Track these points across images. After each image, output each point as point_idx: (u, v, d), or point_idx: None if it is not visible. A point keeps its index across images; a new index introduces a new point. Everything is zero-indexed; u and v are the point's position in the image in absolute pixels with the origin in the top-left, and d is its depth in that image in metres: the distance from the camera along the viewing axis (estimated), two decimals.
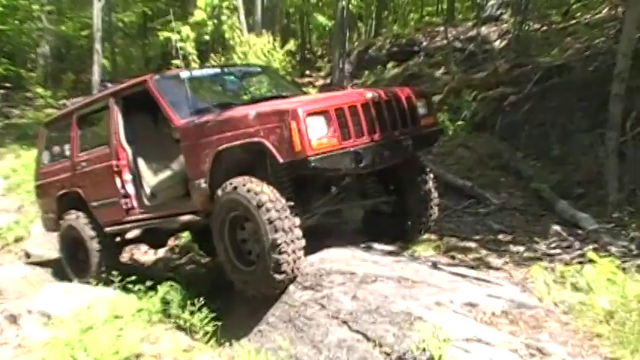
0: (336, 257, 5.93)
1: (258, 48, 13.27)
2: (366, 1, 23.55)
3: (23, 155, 15.64)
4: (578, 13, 15.10)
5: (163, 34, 16.72)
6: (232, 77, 7.93)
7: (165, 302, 6.20)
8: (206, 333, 5.73)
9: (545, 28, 15.14)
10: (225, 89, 7.96)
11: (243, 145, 5.71)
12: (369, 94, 5.95)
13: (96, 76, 22.24)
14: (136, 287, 6.36)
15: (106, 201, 7.40)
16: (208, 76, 7.73)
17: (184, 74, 7.11)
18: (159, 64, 23.77)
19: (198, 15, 14.47)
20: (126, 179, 7.22)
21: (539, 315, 4.68)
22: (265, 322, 5.69)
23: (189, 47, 13.64)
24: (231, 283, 6.78)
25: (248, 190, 5.54)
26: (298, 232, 5.53)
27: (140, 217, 7.18)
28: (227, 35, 13.11)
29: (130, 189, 7.23)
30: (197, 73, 7.61)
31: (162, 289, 6.22)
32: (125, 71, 24.63)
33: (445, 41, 16.57)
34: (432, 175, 6.85)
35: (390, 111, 6.02)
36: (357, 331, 4.72)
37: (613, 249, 6.54)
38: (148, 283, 6.38)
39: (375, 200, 6.80)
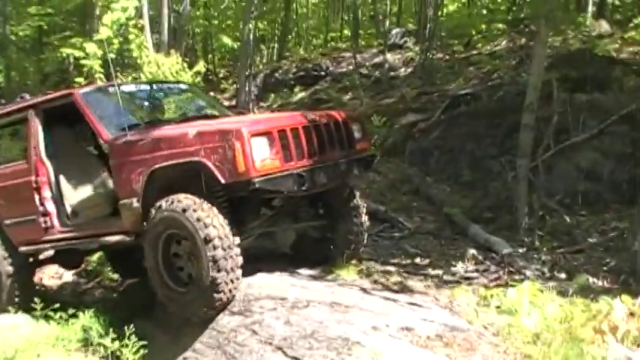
0: (264, 282, 5.82)
1: (166, 68, 13.01)
2: (271, 25, 23.69)
3: None
4: (479, 44, 15.80)
5: (65, 51, 16.11)
6: (161, 93, 7.73)
7: (84, 329, 5.90)
8: None
9: (448, 57, 15.74)
10: (154, 105, 7.62)
11: (180, 164, 5.55)
12: (310, 116, 5.95)
13: None
14: (47, 313, 6.01)
15: (22, 219, 6.92)
16: (137, 91, 7.45)
17: (113, 89, 6.75)
18: (56, 80, 22.94)
19: (104, 32, 14.02)
20: (45, 196, 6.77)
21: (472, 338, 4.78)
22: (191, 349, 5.54)
23: (96, 65, 13.20)
24: (150, 308, 6.59)
25: (184, 210, 5.38)
26: (237, 250, 5.42)
27: (60, 236, 6.76)
28: (135, 54, 12.77)
29: (50, 206, 6.79)
30: (126, 87, 7.31)
31: (84, 315, 5.89)
32: (20, 87, 23.62)
33: (351, 67, 16.89)
34: (362, 201, 6.84)
35: (329, 134, 6.02)
36: (294, 357, 4.67)
37: (527, 272, 6.80)
38: (70, 310, 6.05)
39: (307, 223, 6.73)
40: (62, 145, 7.22)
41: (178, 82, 9.08)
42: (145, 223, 5.77)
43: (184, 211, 5.37)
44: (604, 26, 13.64)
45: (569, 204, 8.64)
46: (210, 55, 23.26)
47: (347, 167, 6.14)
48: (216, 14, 22.54)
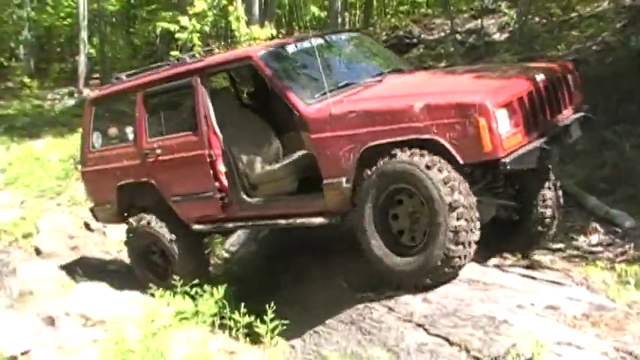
0: None
1: (262, 40, 13.09)
2: None
3: (14, 148, 15.29)
4: (579, 7, 15.21)
5: (161, 24, 16.40)
6: (338, 48, 6.86)
7: (218, 304, 6.03)
8: (260, 335, 5.60)
9: (545, 21, 15.22)
10: (336, 63, 6.71)
11: (403, 142, 5.01)
12: (538, 76, 5.32)
13: (82, 65, 21.93)
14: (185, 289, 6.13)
15: (194, 195, 6.54)
16: (311, 47, 6.43)
17: (291, 47, 6.27)
18: (146, 53, 23.45)
19: (199, 5, 14.21)
20: (220, 170, 6.35)
21: (619, 317, 4.65)
22: (322, 324, 5.59)
23: (195, 38, 13.39)
24: (277, 283, 6.67)
25: (428, 167, 4.84)
26: (477, 224, 4.98)
27: (243, 214, 6.35)
28: (234, 26, 12.87)
29: (227, 182, 6.35)
30: (301, 45, 6.44)
31: (217, 291, 6.00)
32: (112, 60, 24.27)
33: (443, 34, 16.61)
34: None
35: (555, 93, 5.45)
36: (437, 335, 4.66)
37: None
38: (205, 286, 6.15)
39: (505, 201, 6.09)
40: (228, 112, 6.76)
41: (346, 30, 7.97)
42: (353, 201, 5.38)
43: (428, 168, 4.86)
44: None
45: None
46: (296, 26, 23.28)
47: (577, 131, 5.60)
48: None
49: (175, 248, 6.89)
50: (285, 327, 5.66)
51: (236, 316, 5.69)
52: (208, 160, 6.30)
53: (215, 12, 14.81)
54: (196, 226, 6.72)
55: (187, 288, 5.95)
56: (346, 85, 5.93)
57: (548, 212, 6.09)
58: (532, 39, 14.03)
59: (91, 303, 6.67)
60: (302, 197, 6.02)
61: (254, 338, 5.68)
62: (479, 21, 15.91)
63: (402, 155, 4.96)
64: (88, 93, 21.98)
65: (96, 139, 7.53)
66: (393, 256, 5.17)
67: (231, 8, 13.19)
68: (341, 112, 5.35)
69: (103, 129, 7.60)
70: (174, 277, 6.13)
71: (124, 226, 7.59)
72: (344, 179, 5.36)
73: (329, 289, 6.14)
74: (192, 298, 5.95)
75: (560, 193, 6.22)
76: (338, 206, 5.55)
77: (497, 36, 15.60)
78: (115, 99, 7.62)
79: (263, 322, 5.26)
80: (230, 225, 6.53)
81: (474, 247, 5.00)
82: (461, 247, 4.87)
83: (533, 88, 5.18)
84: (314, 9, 21.09)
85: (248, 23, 13.91)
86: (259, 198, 6.29)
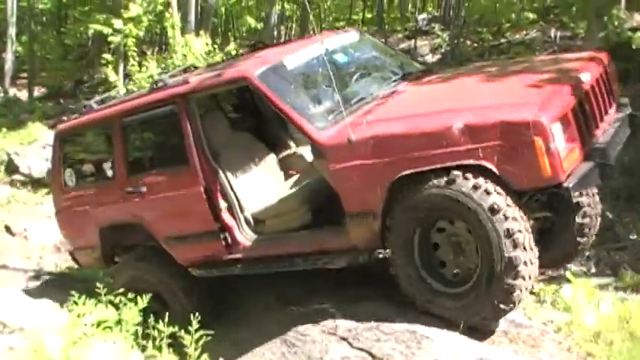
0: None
1: (196, 49, 13.03)
2: (290, 5, 23.60)
3: None
4: (509, 33, 15.75)
5: (93, 26, 16.11)
6: (342, 54, 5.98)
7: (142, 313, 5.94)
8: (185, 346, 5.55)
9: (476, 45, 15.71)
10: (343, 75, 5.79)
11: (442, 169, 4.36)
12: (584, 76, 4.60)
13: (9, 63, 21.32)
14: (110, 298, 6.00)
15: (192, 236, 5.79)
16: (315, 60, 5.66)
17: (290, 61, 5.51)
18: (79, 55, 22.97)
19: (134, 10, 14.04)
20: (221, 207, 5.61)
21: (535, 334, 4.83)
22: (248, 336, 5.60)
23: (130, 43, 13.22)
24: (212, 295, 6.41)
25: (475, 187, 4.22)
26: (536, 252, 4.38)
27: (250, 254, 5.59)
28: (169, 34, 12.76)
29: (229, 219, 5.62)
30: (301, 57, 5.65)
31: (142, 300, 5.90)
32: (42, 60, 23.65)
33: None
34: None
35: (601, 92, 4.85)
36: (360, 349, 4.71)
37: (573, 268, 6.84)
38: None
39: (541, 213, 5.15)
40: (220, 137, 6.04)
41: (347, 30, 6.80)
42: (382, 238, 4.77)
43: (475, 190, 4.20)
44: (637, 18, 13.58)
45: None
46: (232, 37, 23.25)
47: (624, 130, 4.95)
48: None
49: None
50: (210, 338, 5.64)
51: (160, 325, 5.63)
52: (205, 196, 5.59)
53: (150, 17, 14.64)
54: (197, 272, 5.97)
55: (111, 297, 5.82)
56: (360, 100, 5.26)
57: (587, 221, 5.51)
58: (463, 61, 14.42)
59: (10, 310, 6.46)
60: (321, 232, 5.27)
61: (178, 349, 5.64)
62: (412, 42, 16.25)
63: (440, 180, 4.32)
64: (14, 93, 21.37)
65: (69, 177, 6.76)
66: (441, 293, 4.63)
67: (167, 14, 13.09)
68: (362, 137, 4.63)
69: (75, 166, 6.80)
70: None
71: (46, 229, 7.33)
72: (371, 214, 4.70)
73: (258, 301, 6.15)
74: (116, 307, 5.85)
75: (597, 199, 5.64)
76: (365, 243, 4.87)
77: (429, 57, 15.99)
78: (86, 131, 6.75)
79: (188, 332, 5.14)
80: (238, 268, 5.67)
81: (534, 278, 4.44)
82: (521, 280, 4.25)
83: (582, 92, 4.57)
84: (250, 20, 21.09)
85: (183, 31, 13.85)
86: (268, 235, 5.63)
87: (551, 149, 4.06)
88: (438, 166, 4.34)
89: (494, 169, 4.19)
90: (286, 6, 20.92)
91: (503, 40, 15.35)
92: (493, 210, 4.16)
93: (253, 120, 6.80)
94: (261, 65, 5.42)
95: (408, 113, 4.76)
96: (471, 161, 4.24)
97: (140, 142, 6.29)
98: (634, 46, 11.35)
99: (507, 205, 4.20)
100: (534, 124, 4.07)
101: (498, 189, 4.21)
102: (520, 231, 4.20)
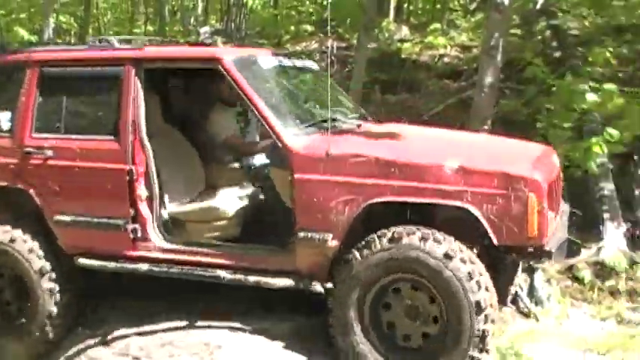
0: None
1: None
2: (66, 18, 22.62)
3: None
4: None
5: None
6: (305, 76, 5.79)
7: None
8: None
9: None
10: (309, 94, 5.70)
11: (424, 205, 4.24)
12: (555, 159, 4.90)
13: None
14: None
15: (95, 219, 5.03)
16: (286, 69, 5.44)
17: (266, 61, 5.14)
18: None
19: None
20: (140, 194, 4.92)
21: None
22: None
23: None
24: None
25: (448, 256, 4.06)
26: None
27: (161, 256, 4.96)
28: None
29: (145, 211, 4.95)
30: (273, 62, 5.31)
31: None
32: None
33: None
34: None
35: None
36: None
37: None
38: None
39: None
40: (151, 121, 5.18)
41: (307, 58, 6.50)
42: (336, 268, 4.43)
43: (448, 257, 4.06)
44: (404, 31, 14.61)
45: None
46: None
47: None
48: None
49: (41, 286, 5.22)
50: None
51: None
52: (127, 178, 4.88)
53: None
54: (83, 261, 5.14)
55: None
56: (326, 121, 4.86)
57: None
58: None
59: None
60: (258, 248, 4.81)
61: None
62: None
63: (412, 238, 4.13)
64: None
65: None
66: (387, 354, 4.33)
67: None
68: (343, 153, 4.39)
69: None
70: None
71: None
72: (330, 236, 4.36)
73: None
74: None
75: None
76: (311, 268, 4.51)
77: None
78: None
79: None
80: (144, 267, 4.96)
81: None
82: (485, 354, 4.12)
83: (557, 172, 4.75)
84: (23, 32, 19.86)
85: None
86: (187, 240, 5.08)
87: (542, 210, 4.04)
88: (420, 200, 4.21)
89: (481, 217, 4.07)
90: (62, 18, 19.93)
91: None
92: (468, 278, 4.02)
93: (183, 121, 5.96)
94: (233, 53, 5.07)
95: (393, 144, 4.68)
96: (457, 203, 4.12)
97: (58, 99, 5.23)
98: (403, 56, 12.28)
99: (481, 274, 4.11)
100: (531, 181, 4.04)
101: (474, 257, 4.17)
102: (492, 305, 4.15)
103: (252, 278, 4.62)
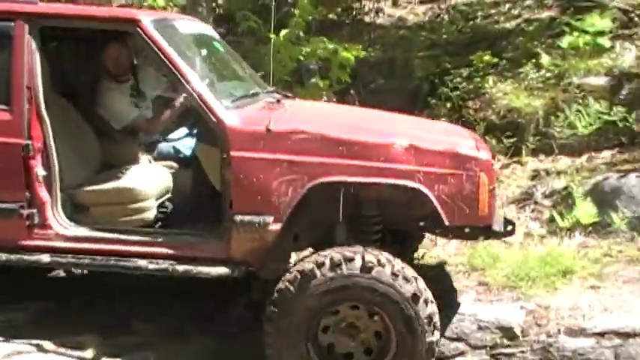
0: None
1: None
2: None
3: None
4: None
5: None
6: (218, 45, 5.23)
7: None
8: None
9: None
10: (225, 65, 5.18)
11: (374, 184, 4.01)
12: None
13: None
14: None
15: None
16: (201, 36, 5.00)
17: (181, 26, 4.65)
18: None
19: None
20: (38, 174, 4.25)
21: None
22: None
23: None
24: None
25: (395, 276, 3.82)
26: None
27: (64, 245, 4.30)
28: None
29: (43, 193, 4.29)
30: (190, 28, 4.89)
31: None
32: None
33: None
34: None
35: None
36: None
37: None
38: None
39: None
40: (49, 97, 4.45)
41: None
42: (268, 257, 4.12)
43: (394, 278, 3.83)
44: None
45: None
46: None
47: None
48: None
49: None
50: None
51: None
52: (22, 154, 4.20)
53: None
54: None
55: None
56: (254, 95, 4.64)
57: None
58: None
59: None
60: (182, 233, 4.34)
61: None
62: None
63: (352, 265, 3.82)
64: None
65: None
66: None
67: None
68: (286, 129, 4.06)
69: None
70: None
71: None
72: (271, 219, 4.00)
73: None
74: None
75: None
76: (247, 255, 4.11)
77: None
78: None
79: None
80: (45, 259, 4.28)
81: None
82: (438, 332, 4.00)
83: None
84: None
85: None
86: (94, 225, 4.44)
87: (492, 189, 4.05)
88: (370, 180, 3.98)
89: (433, 198, 3.93)
90: None
91: None
92: (415, 298, 3.82)
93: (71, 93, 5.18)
94: (149, 15, 4.55)
95: (335, 121, 4.41)
96: (408, 182, 3.94)
97: None
98: None
99: (425, 289, 3.92)
100: (482, 161, 4.00)
101: (414, 272, 3.94)
102: (436, 314, 3.96)
103: (180, 267, 4.11)
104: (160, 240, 4.24)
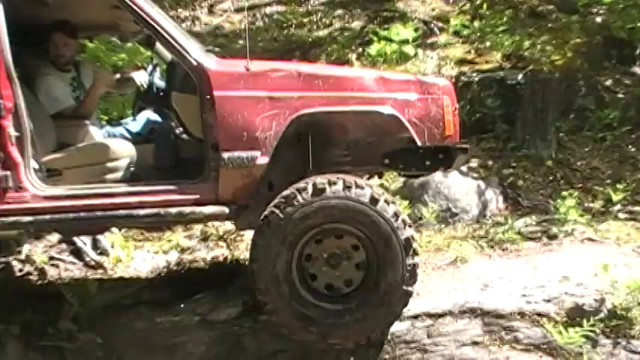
0: None
1: None
2: None
3: None
4: None
5: None
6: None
7: None
8: None
9: None
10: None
11: (350, 112, 4.28)
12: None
13: None
14: None
15: None
16: None
17: None
18: None
19: None
20: (10, 135, 4.14)
21: None
22: None
23: None
24: None
25: (374, 200, 4.05)
26: None
27: (42, 205, 4.20)
28: None
29: (15, 154, 4.17)
30: None
31: None
32: None
33: None
34: None
35: None
36: None
37: None
38: None
39: None
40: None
41: None
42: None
43: (374, 201, 4.05)
44: None
45: None
46: None
47: None
48: None
49: None
50: None
51: None
52: None
53: None
54: None
55: None
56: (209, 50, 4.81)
57: None
58: None
59: None
60: (166, 182, 4.32)
61: None
62: None
63: (335, 188, 4.05)
64: None
65: None
66: (323, 309, 4.18)
67: None
68: (263, 68, 4.31)
69: None
70: None
71: None
72: (258, 153, 4.17)
73: None
74: None
75: None
76: (236, 193, 4.25)
77: None
78: None
79: None
80: (27, 219, 4.20)
81: None
82: (412, 285, 4.21)
83: None
84: None
85: None
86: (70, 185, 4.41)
87: (455, 111, 4.50)
88: (349, 108, 4.24)
89: (404, 121, 4.25)
90: None
91: None
92: (395, 218, 4.07)
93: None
94: None
95: (302, 65, 4.71)
96: (381, 108, 4.24)
97: None
98: None
99: (401, 212, 4.22)
100: (443, 85, 4.48)
101: (392, 197, 4.26)
102: (414, 238, 4.23)
103: (173, 210, 4.20)
104: (145, 189, 4.26)
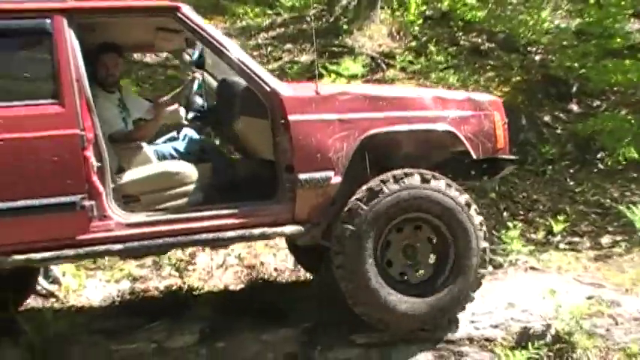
0: None
1: None
2: None
3: None
4: None
5: None
6: None
7: None
8: None
9: None
10: None
11: (413, 132, 4.54)
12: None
13: None
14: None
15: (34, 203, 4.01)
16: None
17: (191, 11, 4.54)
18: None
19: None
20: (94, 165, 4.13)
21: None
22: None
23: None
24: None
25: (449, 185, 4.40)
26: None
27: (128, 232, 4.21)
28: None
29: (99, 184, 4.17)
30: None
31: None
32: None
33: None
34: None
35: None
36: None
37: None
38: None
39: None
40: None
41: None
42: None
43: (449, 190, 4.39)
44: None
45: None
46: None
47: None
48: None
49: None
50: None
51: None
52: (80, 145, 4.08)
53: None
54: (19, 257, 4.05)
55: None
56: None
57: None
58: None
59: None
60: (244, 204, 4.39)
61: None
62: None
63: (413, 179, 4.35)
64: None
65: None
66: (403, 296, 4.38)
67: None
68: (331, 92, 4.50)
69: None
70: None
71: None
72: (332, 173, 4.33)
73: None
74: None
75: None
76: (311, 212, 4.40)
77: None
78: None
79: None
80: (117, 247, 4.19)
81: None
82: (485, 269, 4.60)
83: None
84: None
85: None
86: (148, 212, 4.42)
87: (504, 125, 4.82)
88: (409, 127, 4.48)
89: (461, 136, 4.57)
90: None
91: None
92: (468, 206, 4.42)
93: None
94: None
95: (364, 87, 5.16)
96: (440, 125, 4.54)
97: None
98: None
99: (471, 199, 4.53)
100: (493, 102, 4.86)
101: (460, 187, 4.52)
102: (483, 223, 4.57)
103: (256, 231, 4.33)
104: (221, 214, 4.33)
